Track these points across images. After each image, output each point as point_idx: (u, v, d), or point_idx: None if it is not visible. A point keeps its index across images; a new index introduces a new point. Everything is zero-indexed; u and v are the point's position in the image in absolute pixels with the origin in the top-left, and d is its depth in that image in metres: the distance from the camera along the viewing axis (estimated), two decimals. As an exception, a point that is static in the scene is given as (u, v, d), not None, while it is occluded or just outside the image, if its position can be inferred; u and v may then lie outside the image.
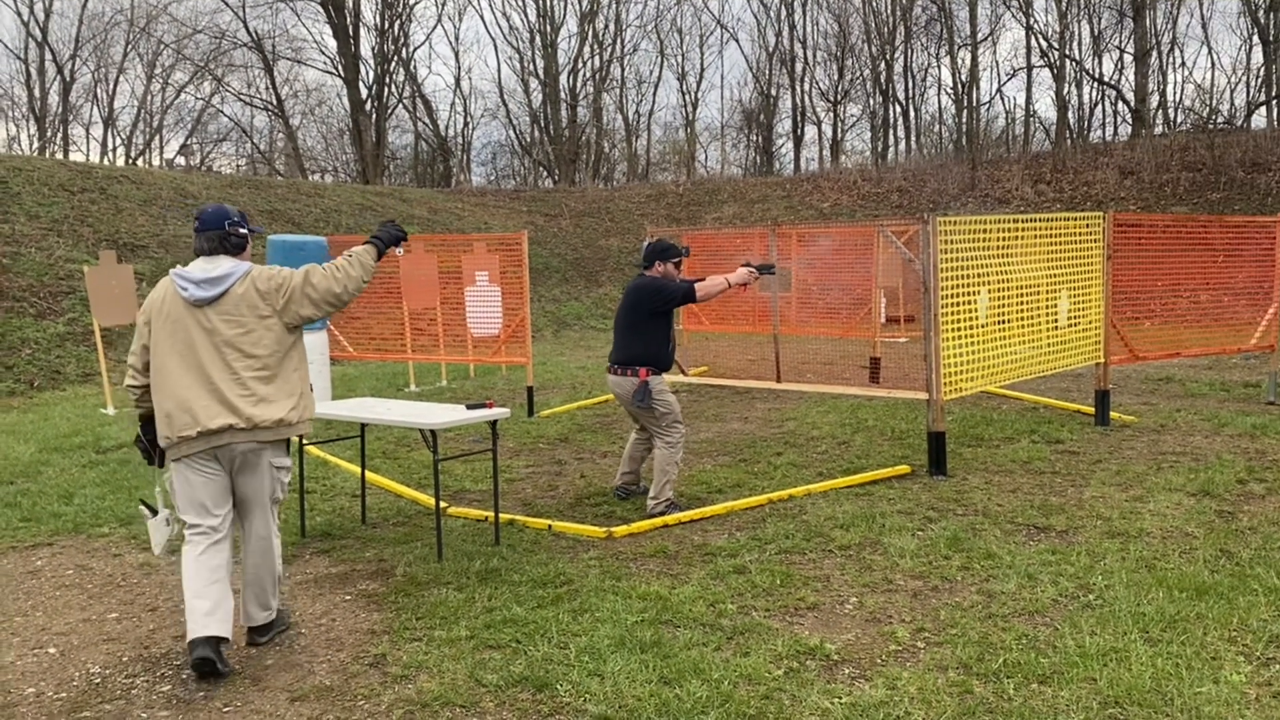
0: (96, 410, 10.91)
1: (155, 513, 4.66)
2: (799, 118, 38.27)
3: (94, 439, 9.18)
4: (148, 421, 4.51)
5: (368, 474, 6.97)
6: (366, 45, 35.42)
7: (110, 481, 7.59)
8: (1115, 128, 34.03)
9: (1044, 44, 33.11)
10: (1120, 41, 33.03)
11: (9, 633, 4.70)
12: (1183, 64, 47.32)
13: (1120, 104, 33.69)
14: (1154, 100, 31.92)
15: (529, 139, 39.77)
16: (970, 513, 6.16)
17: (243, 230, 4.47)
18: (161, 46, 35.32)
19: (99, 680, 4.13)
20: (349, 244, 12.55)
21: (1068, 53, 32.54)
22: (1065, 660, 3.96)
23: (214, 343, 4.28)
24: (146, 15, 34.76)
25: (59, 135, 32.90)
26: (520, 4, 43.32)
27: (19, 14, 31.99)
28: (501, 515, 6.08)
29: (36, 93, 32.43)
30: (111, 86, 35.18)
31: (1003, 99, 46.80)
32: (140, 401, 4.50)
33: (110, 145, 35.76)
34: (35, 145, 32.54)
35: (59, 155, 30.86)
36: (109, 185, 19.13)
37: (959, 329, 7.28)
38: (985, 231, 7.57)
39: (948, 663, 4.01)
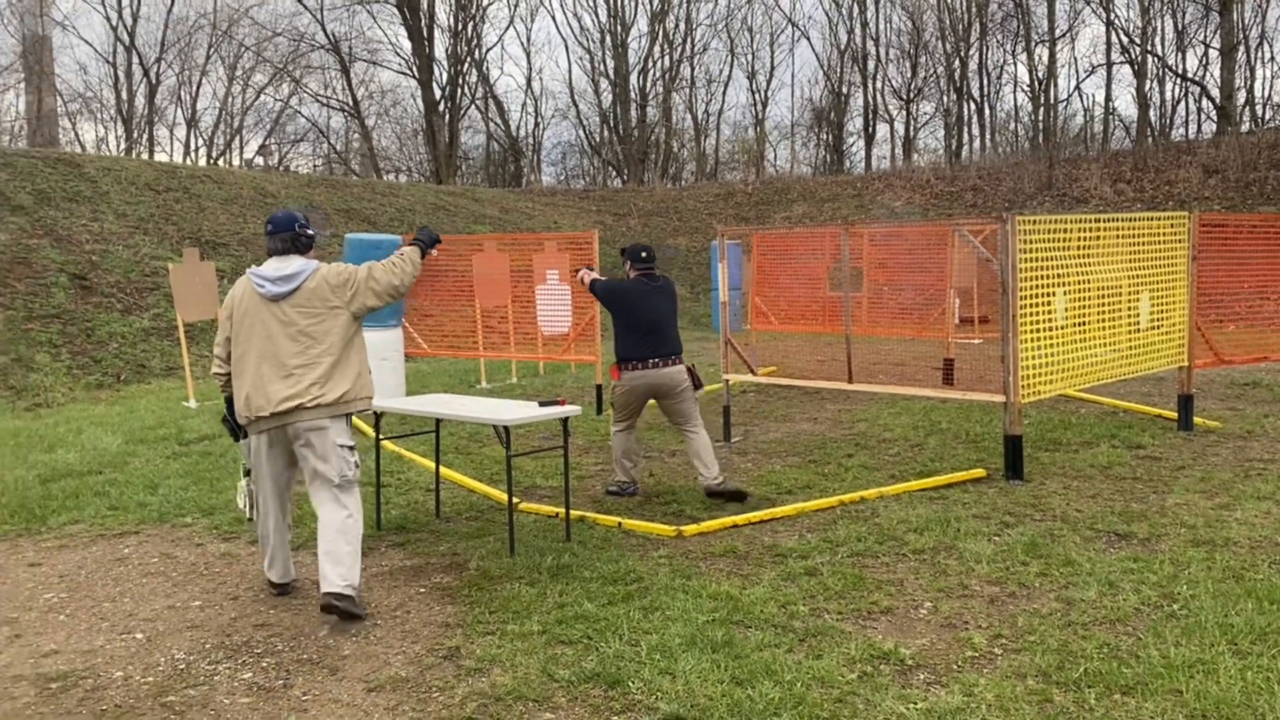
0: (179, 403, 11.22)
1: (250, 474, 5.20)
2: (870, 116, 37.85)
3: (177, 431, 9.44)
4: (231, 402, 5.07)
5: (441, 469, 7.06)
6: (440, 47, 35.90)
7: (193, 473, 7.80)
8: (1199, 125, 33.04)
9: (1125, 39, 32.29)
10: (1205, 36, 32.06)
11: (98, 617, 4.86)
12: (1271, 59, 45.68)
13: (1205, 101, 32.69)
14: (1240, 97, 30.91)
15: (598, 139, 39.95)
16: (1048, 518, 6.03)
17: (310, 232, 5.06)
18: (242, 49, 36.21)
19: (183, 666, 4.25)
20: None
21: (1150, 48, 31.69)
22: (1149, 671, 3.86)
23: (289, 332, 4.82)
24: (228, 19, 35.67)
25: (145, 136, 33.91)
26: (591, 4, 43.52)
27: (108, 19, 33.06)
28: (572, 512, 6.12)
29: (124, 95, 33.45)
30: (194, 88, 36.16)
31: (1081, 96, 45.81)
32: (225, 387, 5.10)
33: (193, 146, 36.76)
34: (122, 146, 33.58)
35: (145, 155, 31.81)
36: (192, 185, 19.66)
37: (1038, 331, 7.13)
38: (1066, 231, 7.41)
39: (1026, 670, 3.93)
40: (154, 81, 33.88)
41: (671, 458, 8.15)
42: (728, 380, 9.03)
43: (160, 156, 33.84)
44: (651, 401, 7.06)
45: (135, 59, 33.27)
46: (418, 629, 4.57)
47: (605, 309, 7.22)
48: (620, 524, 6.11)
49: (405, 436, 8.26)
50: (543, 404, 5.95)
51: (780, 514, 6.25)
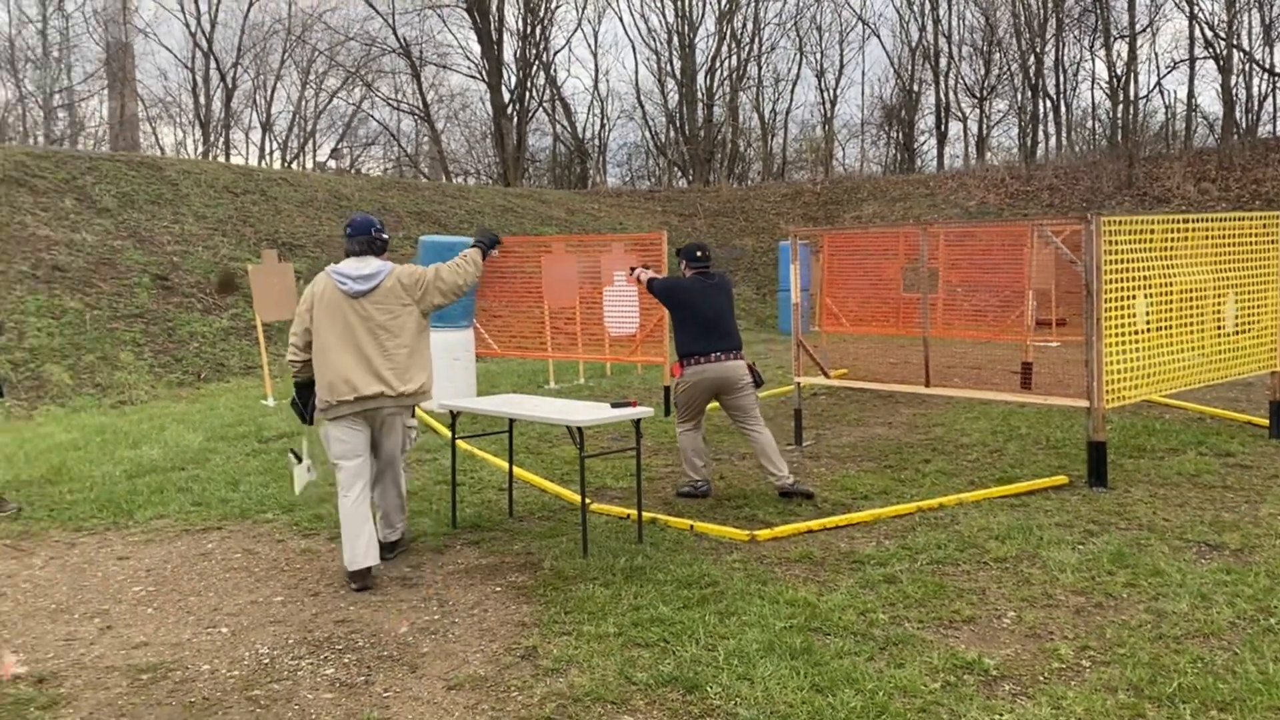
0: (258, 401, 11.46)
1: (300, 461, 5.81)
2: (943, 114, 37.28)
3: (256, 429, 9.64)
4: (303, 387, 5.60)
5: (514, 468, 7.10)
6: (509, 50, 36.20)
7: (272, 470, 7.95)
8: (1288, 121, 31.93)
9: (1209, 34, 31.34)
10: (1294, 29, 30.95)
11: (185, 611, 4.97)
12: (1364, 52, 43.97)
13: (1293, 96, 31.56)
14: (1332, 91, 29.80)
15: (664, 139, 39.93)
16: (1134, 527, 5.86)
17: (384, 236, 5.63)
18: (315, 53, 36.90)
19: (267, 661, 4.32)
20: (494, 243, 12.84)
21: (1236, 42, 30.71)
22: (1247, 687, 3.72)
23: (368, 326, 5.36)
24: (302, 24, 36.38)
25: (221, 139, 34.74)
26: (659, 5, 43.53)
27: (187, 26, 33.95)
28: (644, 514, 6.10)
29: (202, 99, 34.32)
30: (269, 92, 36.93)
31: (1162, 93, 44.58)
32: (300, 372, 5.59)
33: (267, 149, 37.57)
34: (200, 149, 34.45)
35: (221, 158, 32.59)
36: (268, 187, 20.09)
37: (1121, 334, 6.94)
38: (1151, 232, 7.20)
39: (1116, 684, 3.81)
40: (230, 86, 34.70)
41: (742, 460, 8.10)
42: (799, 383, 8.95)
43: (236, 159, 34.66)
44: (714, 403, 7.05)
45: (213, 64, 34.11)
46: (495, 628, 4.59)
47: (665, 307, 7.34)
48: (693, 527, 6.08)
49: (478, 436, 8.32)
50: (615, 405, 5.95)
51: (857, 520, 6.17)
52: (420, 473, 7.89)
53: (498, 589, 5.13)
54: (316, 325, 5.39)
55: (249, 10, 34.68)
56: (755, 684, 3.87)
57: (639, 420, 5.94)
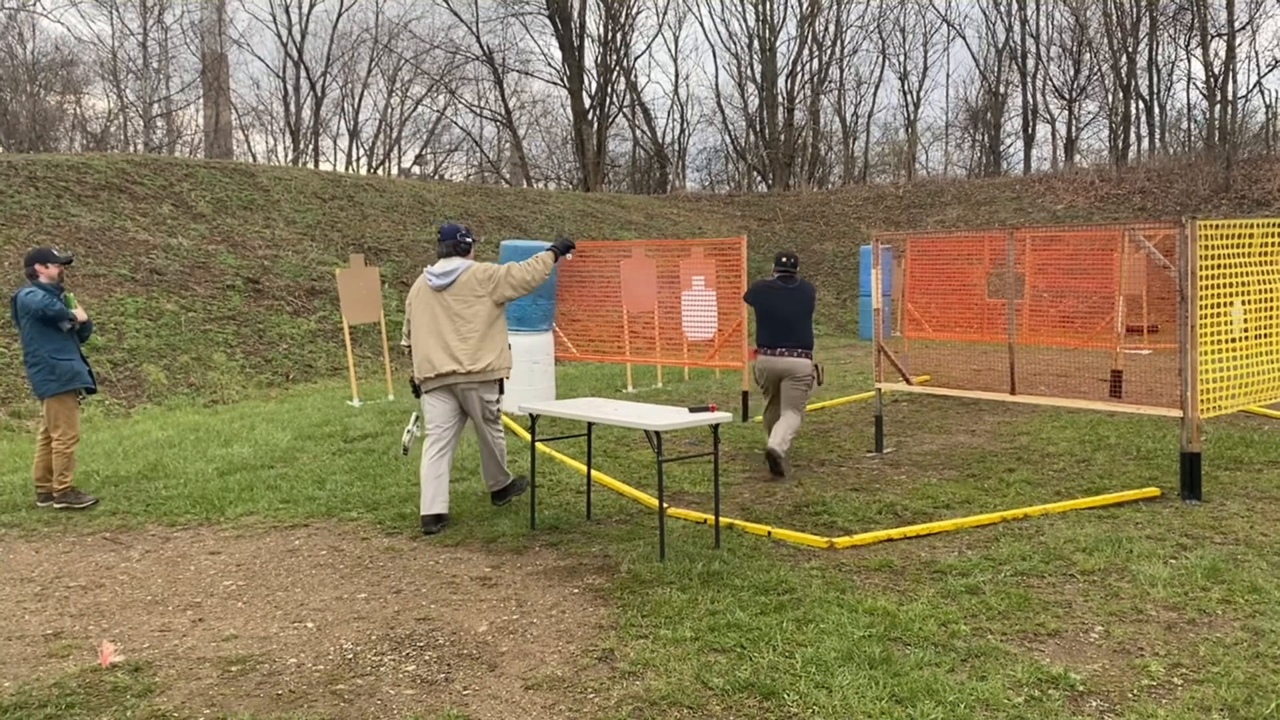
0: (344, 402, 11.72)
1: (413, 425, 6.95)
2: (1030, 116, 36.47)
3: (342, 429, 9.86)
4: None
5: (592, 472, 7.15)
6: (590, 56, 36.47)
7: (357, 469, 8.13)
8: (1398, 120, 30.53)
9: (1313, 30, 30.10)
10: (1407, 24, 29.59)
11: (272, 605, 5.11)
12: None
13: (1405, 94, 30.18)
14: None
15: (744, 143, 39.80)
16: (1230, 541, 5.66)
17: (468, 239, 6.61)
18: (401, 61, 37.66)
19: (351, 656, 4.42)
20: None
21: (1342, 39, 29.44)
22: (1351, 712, 3.57)
23: (448, 315, 6.35)
24: (389, 32, 37.17)
25: (310, 146, 35.67)
26: (740, 9, 43.41)
27: (279, 36, 34.97)
28: (721, 519, 6.09)
29: (292, 108, 35.28)
30: (356, 100, 37.80)
31: (1262, 92, 43.00)
32: (409, 356, 6.69)
33: (354, 155, 38.43)
34: (290, 156, 35.41)
35: (310, 165, 33.45)
36: (355, 193, 20.55)
37: (1217, 342, 6.71)
38: (1249, 236, 6.95)
39: (1210, 703, 3.69)
40: (319, 94, 35.60)
41: (821, 467, 8.03)
42: (880, 389, 8.84)
43: (324, 166, 35.53)
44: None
45: (303, 73, 35.04)
46: (572, 629, 4.63)
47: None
48: (770, 533, 6.05)
49: (557, 439, 8.40)
50: (692, 409, 5.95)
51: (938, 529, 6.07)
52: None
53: (575, 590, 5.17)
54: (412, 315, 6.54)
55: (338, 20, 35.57)
56: (833, 693, 3.83)
57: (717, 425, 5.93)
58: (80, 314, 7.42)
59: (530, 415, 6.61)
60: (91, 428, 10.51)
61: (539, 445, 8.40)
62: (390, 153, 39.53)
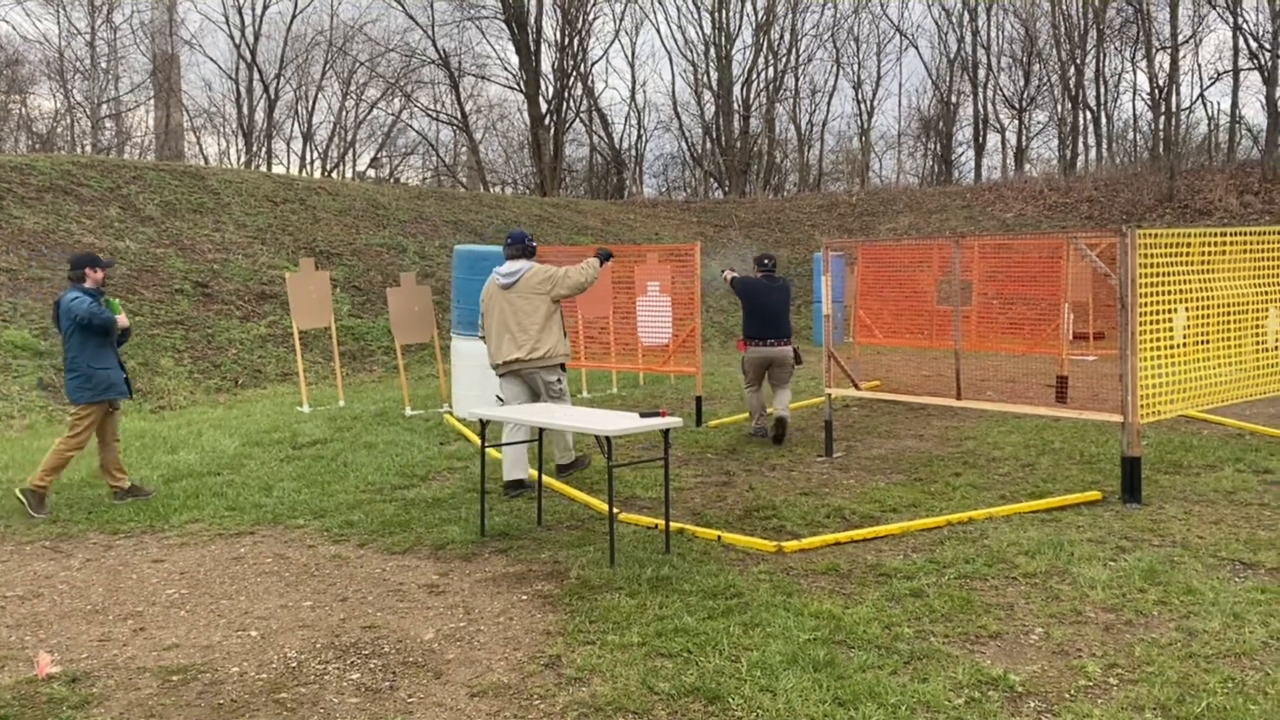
0: (293, 408, 11.60)
1: (502, 402, 7.60)
2: (981, 125, 37.01)
3: (291, 435, 9.76)
4: None
5: (543, 477, 7.14)
6: (547, 61, 36.42)
7: (305, 476, 8.05)
8: (1335, 133, 31.35)
9: (1254, 45, 30.88)
10: (1342, 40, 30.41)
11: (216, 614, 5.04)
12: None
13: (1341, 107, 31.00)
14: (1381, 103, 29.23)
15: (700, 150, 39.96)
16: (1168, 544, 5.78)
17: (532, 245, 7.64)
18: (356, 64, 37.34)
19: (295, 664, 4.38)
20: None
21: (1281, 53, 30.21)
22: (1277, 708, 3.66)
23: (512, 310, 7.36)
24: (344, 35, 36.85)
25: (263, 149, 35.23)
26: (696, 17, 43.62)
27: (231, 38, 34.52)
28: (671, 524, 6.11)
29: (245, 110, 34.83)
30: (310, 103, 37.40)
31: (1205, 104, 43.80)
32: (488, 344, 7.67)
33: (308, 158, 38.02)
34: (242, 159, 34.96)
35: (263, 168, 33.05)
36: (308, 196, 20.35)
37: (1158, 348, 6.86)
38: (1188, 245, 7.11)
39: (1144, 703, 3.77)
40: (273, 97, 35.19)
41: (771, 471, 8.09)
42: (830, 394, 8.92)
43: (277, 169, 35.12)
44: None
45: (256, 75, 34.63)
46: (520, 636, 4.62)
47: (738, 298, 9.78)
48: (720, 537, 6.08)
49: (509, 445, 8.37)
50: (644, 415, 5.97)
51: (885, 533, 6.14)
52: (450, 480, 7.95)
53: (524, 597, 5.16)
54: (485, 310, 7.58)
55: (292, 22, 35.20)
56: (778, 696, 3.86)
57: (668, 430, 5.95)
58: (123, 320, 7.40)
59: (481, 421, 6.59)
60: (34, 434, 10.31)
61: (491, 451, 8.38)
62: (344, 156, 39.20)
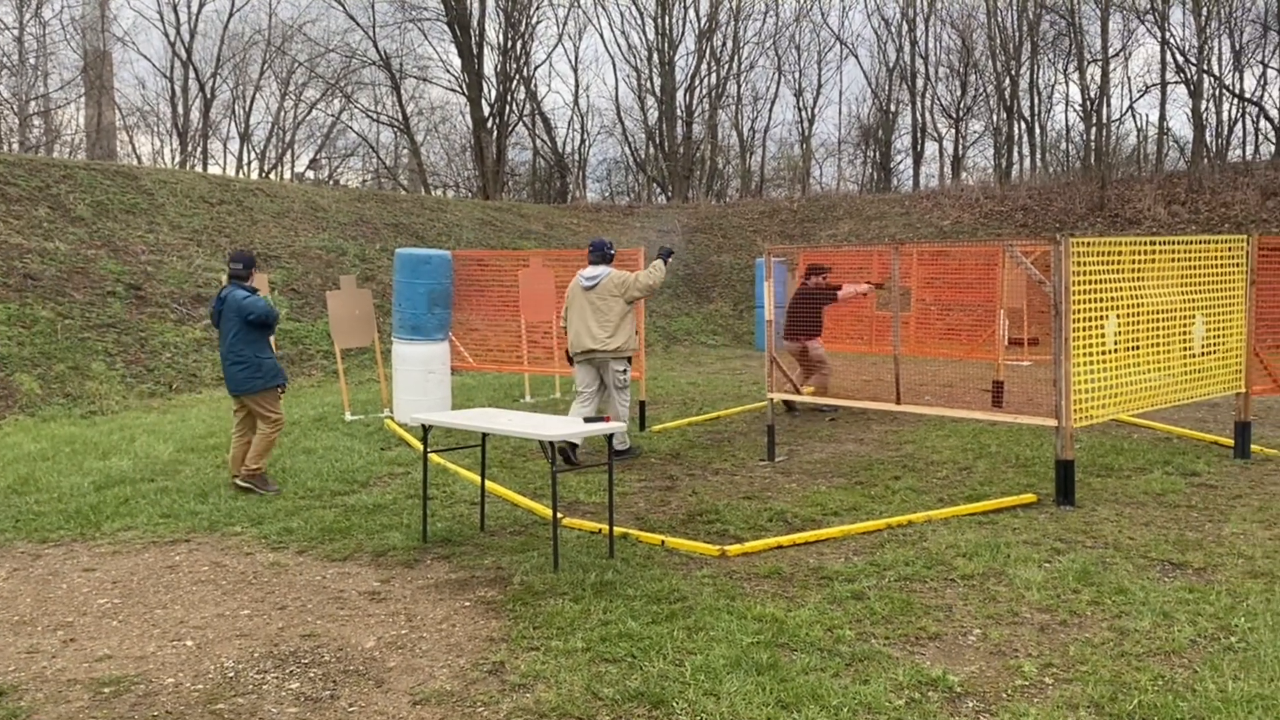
0: (229, 413, 11.37)
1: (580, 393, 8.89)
2: (919, 134, 37.59)
3: (227, 441, 9.56)
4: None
5: (487, 482, 7.09)
6: (490, 64, 36.22)
7: (242, 482, 7.90)
8: (1256, 146, 32.42)
9: (1180, 59, 31.81)
10: (1264, 56, 31.47)
11: (150, 624, 4.93)
12: (1332, 79, 44.81)
13: (1263, 121, 32.09)
14: (1300, 117, 30.30)
15: (644, 155, 40.06)
16: (1100, 545, 5.92)
17: (611, 252, 8.87)
18: (295, 65, 36.79)
19: (232, 674, 4.29)
20: (471, 258, 12.85)
21: (1206, 68, 31.17)
22: (1206, 705, 3.77)
23: (592, 308, 8.65)
24: (282, 35, 36.29)
25: (199, 150, 34.53)
26: (639, 23, 43.75)
27: (166, 35, 33.81)
28: (615, 529, 6.11)
29: (180, 109, 34.12)
30: (248, 103, 36.74)
31: (1134, 116, 45.02)
32: (566, 336, 9.01)
33: (245, 159, 37.37)
34: (177, 159, 34.25)
35: (199, 168, 32.41)
36: (244, 198, 20.00)
37: (1090, 354, 7.03)
38: (1119, 253, 7.30)
39: (1078, 701, 3.85)
40: (209, 96, 34.53)
41: (715, 476, 8.13)
42: (772, 399, 8.99)
43: (214, 169, 34.49)
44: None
45: (192, 74, 33.96)
46: (463, 643, 4.59)
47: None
48: (664, 542, 6.10)
49: (451, 450, 8.31)
50: (587, 419, 5.97)
51: (826, 536, 6.20)
52: (391, 486, 7.87)
53: (467, 604, 5.12)
54: (568, 306, 8.88)
55: (229, 20, 34.58)
56: (721, 700, 3.88)
57: (611, 435, 5.95)
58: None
59: (423, 426, 6.53)
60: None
61: (433, 457, 8.31)
62: (283, 157, 38.60)
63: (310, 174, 39.03)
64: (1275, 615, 4.68)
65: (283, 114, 37.63)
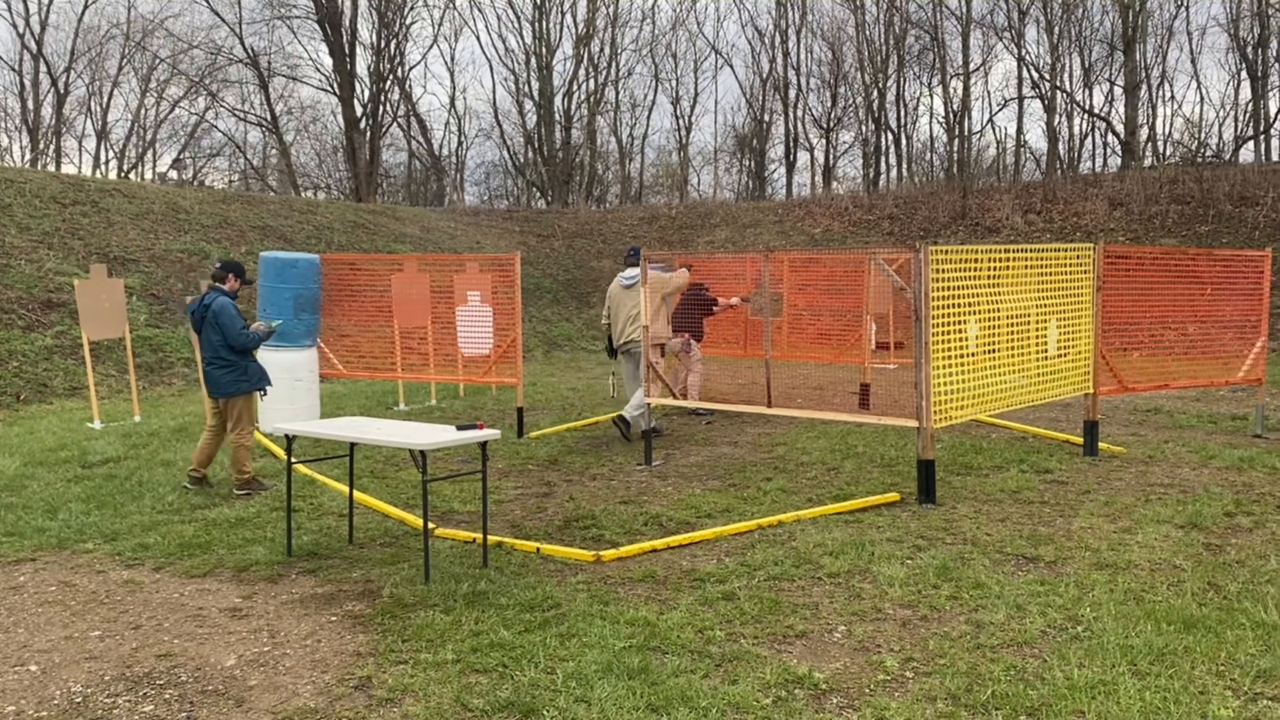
0: (83, 424, 10.84)
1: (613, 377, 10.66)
2: (792, 143, 38.48)
3: (80, 453, 9.12)
4: (610, 340, 10.58)
5: (355, 493, 6.93)
6: (362, 63, 35.52)
7: (95, 497, 7.53)
8: (1105, 159, 34.35)
9: (1035, 75, 33.43)
10: (1111, 74, 33.35)
11: (-11, 649, 4.65)
12: (1172, 98, 47.92)
13: (1110, 136, 33.98)
14: (1143, 133, 32.22)
15: (523, 160, 39.88)
16: (959, 542, 6.16)
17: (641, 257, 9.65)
18: (157, 61, 35.36)
19: (80, 699, 4.08)
20: (343, 261, 12.55)
21: (1059, 84, 32.84)
22: (1053, 692, 3.96)
23: (629, 304, 9.96)
24: (142, 29, 34.83)
25: (51, 147, 32.83)
26: (516, 26, 43.53)
27: (14, 26, 32.07)
28: (490, 537, 6.05)
29: (30, 105, 32.38)
30: (105, 100, 35.17)
31: (994, 128, 47.19)
32: (607, 330, 10.59)
33: (103, 158, 35.73)
34: (27, 158, 32.48)
35: (51, 168, 30.79)
36: (101, 198, 19.09)
37: (949, 357, 7.30)
38: (977, 261, 7.61)
39: (936, 693, 3.99)
40: (62, 91, 32.90)
41: (592, 481, 8.13)
42: (649, 404, 9.05)
43: (68, 169, 32.83)
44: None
45: (43, 67, 32.27)
46: (328, 658, 4.47)
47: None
48: (539, 549, 6.06)
49: (318, 460, 8.09)
50: (460, 427, 5.89)
51: (699, 538, 6.27)
52: (255, 498, 7.61)
53: (333, 618, 4.99)
54: (611, 303, 10.37)
55: (84, 13, 33.01)
56: (592, 706, 3.88)
57: (485, 443, 5.89)
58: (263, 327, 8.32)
59: (286, 436, 6.34)
60: None
61: (299, 467, 8.07)
62: (143, 156, 37.03)
63: (173, 174, 37.54)
64: (1117, 605, 4.94)
65: (143, 112, 36.15)
